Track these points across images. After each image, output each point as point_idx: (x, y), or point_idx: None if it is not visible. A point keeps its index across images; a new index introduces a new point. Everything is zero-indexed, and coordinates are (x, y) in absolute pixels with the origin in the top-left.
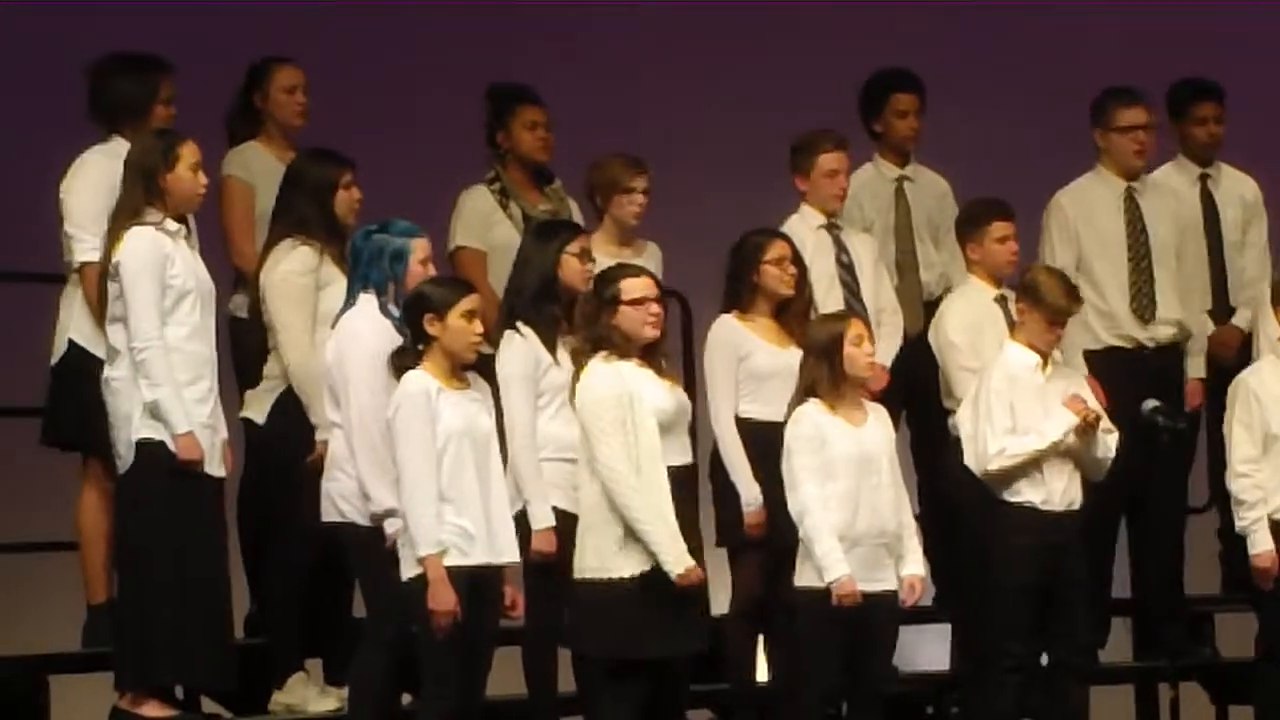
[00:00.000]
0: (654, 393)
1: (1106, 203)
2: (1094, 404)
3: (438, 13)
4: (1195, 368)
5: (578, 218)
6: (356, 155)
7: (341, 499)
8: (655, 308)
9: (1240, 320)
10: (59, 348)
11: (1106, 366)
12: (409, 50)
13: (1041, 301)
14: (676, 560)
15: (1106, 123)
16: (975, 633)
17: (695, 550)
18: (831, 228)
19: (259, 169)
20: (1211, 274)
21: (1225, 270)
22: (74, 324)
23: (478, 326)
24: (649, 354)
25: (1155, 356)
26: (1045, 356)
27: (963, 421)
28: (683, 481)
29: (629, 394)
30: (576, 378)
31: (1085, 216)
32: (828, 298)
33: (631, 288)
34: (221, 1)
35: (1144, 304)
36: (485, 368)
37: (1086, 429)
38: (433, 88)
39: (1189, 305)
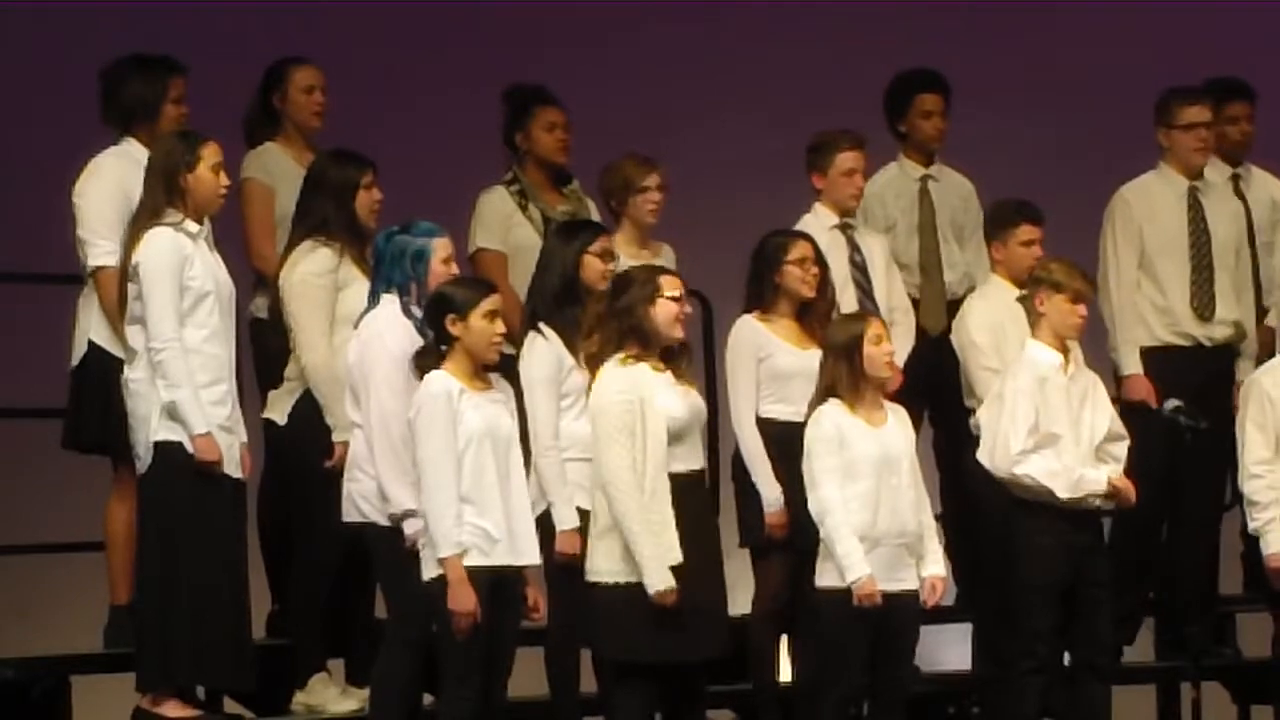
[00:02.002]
0: (668, 398)
1: (1169, 201)
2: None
3: (457, 13)
4: (1245, 370)
5: (596, 218)
6: (374, 156)
7: (362, 499)
8: (687, 308)
9: (1272, 320)
10: (79, 349)
11: (1162, 364)
12: (427, 51)
13: (1061, 284)
14: (658, 579)
15: (1170, 120)
16: (998, 633)
17: (710, 554)
18: (845, 228)
19: (279, 170)
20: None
21: (1258, 272)
22: (93, 326)
23: (499, 327)
24: (670, 356)
25: (1211, 355)
26: (1067, 354)
27: (985, 419)
28: (694, 486)
29: (640, 400)
30: (592, 381)
31: (1148, 213)
32: (841, 298)
33: (669, 284)
34: (237, 2)
35: (1204, 302)
36: (507, 368)
37: (1110, 497)
38: (450, 88)
39: (1245, 306)
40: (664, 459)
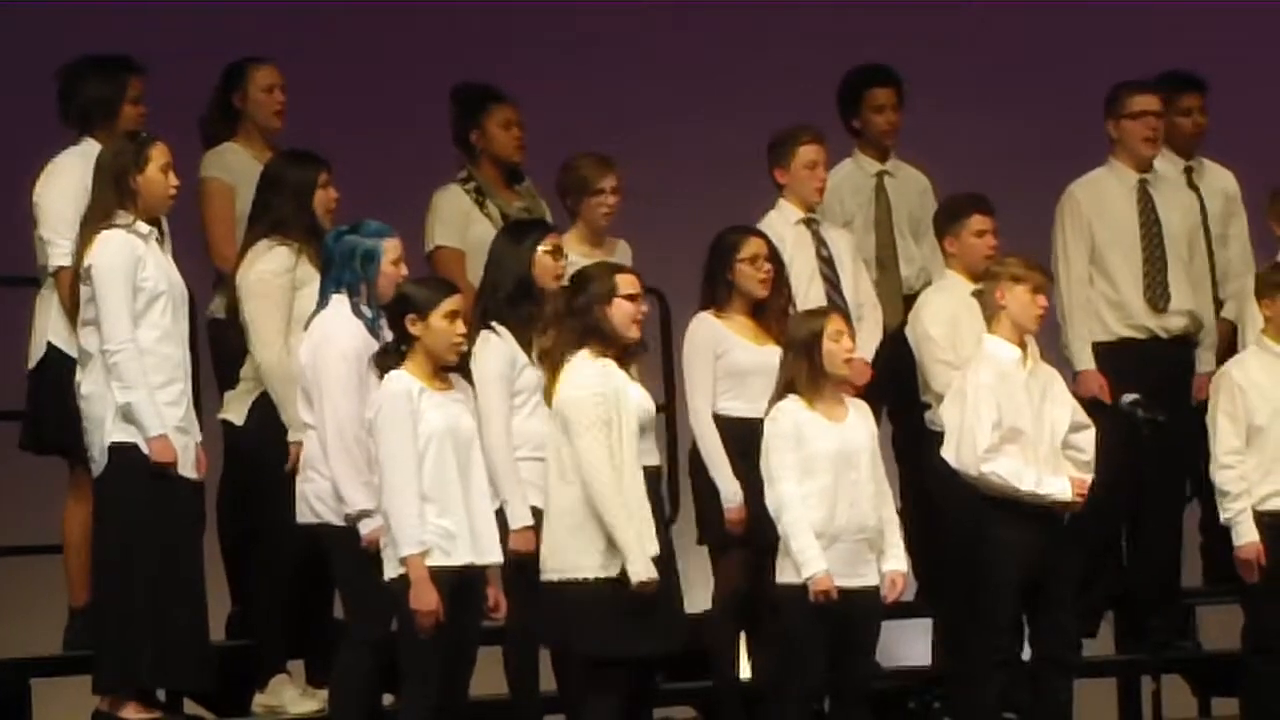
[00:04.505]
0: (638, 395)
1: (1119, 194)
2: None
3: (412, 13)
4: (1206, 362)
5: (549, 217)
6: (328, 155)
7: (317, 499)
8: (643, 306)
9: (1228, 313)
10: (37, 351)
11: (1118, 357)
12: (381, 51)
13: (1021, 277)
14: (643, 568)
15: (1119, 110)
16: (960, 627)
17: (667, 548)
18: (810, 222)
19: (239, 169)
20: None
21: (1214, 264)
22: (52, 327)
23: (460, 327)
24: (624, 354)
25: (1167, 347)
26: (1024, 349)
27: (948, 416)
28: (651, 483)
29: (615, 392)
30: (549, 377)
31: (1098, 207)
32: (809, 292)
33: (626, 283)
34: (192, 2)
35: (1157, 293)
36: (464, 367)
37: (1067, 506)
38: (405, 88)
39: (1201, 297)
40: (637, 451)
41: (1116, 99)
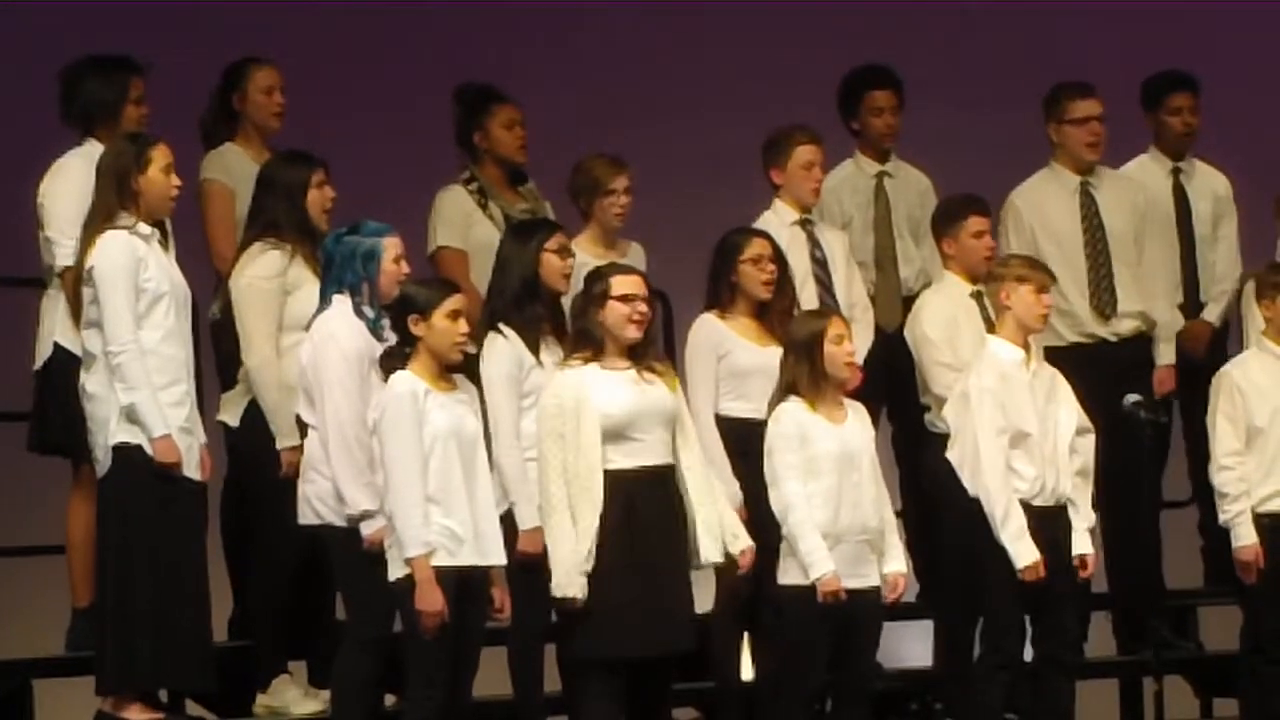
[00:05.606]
0: (613, 395)
1: (1061, 199)
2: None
3: (412, 13)
4: (1164, 355)
5: (552, 218)
6: (329, 156)
7: (318, 501)
8: (642, 306)
9: (1210, 315)
10: (43, 352)
11: (1071, 363)
12: (381, 51)
13: (1025, 276)
14: (565, 584)
15: (1060, 115)
16: (962, 629)
17: (675, 549)
18: (805, 223)
19: (239, 171)
20: (1183, 269)
21: (1196, 265)
22: (58, 328)
23: (462, 326)
24: (635, 353)
25: (1120, 349)
26: (1027, 350)
27: (952, 418)
28: (664, 480)
29: (575, 404)
30: None
31: (1040, 215)
32: (802, 294)
33: (621, 284)
34: (193, 2)
35: (1104, 300)
36: (470, 369)
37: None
38: (405, 88)
39: (1151, 295)
40: (597, 461)
41: (1057, 103)
